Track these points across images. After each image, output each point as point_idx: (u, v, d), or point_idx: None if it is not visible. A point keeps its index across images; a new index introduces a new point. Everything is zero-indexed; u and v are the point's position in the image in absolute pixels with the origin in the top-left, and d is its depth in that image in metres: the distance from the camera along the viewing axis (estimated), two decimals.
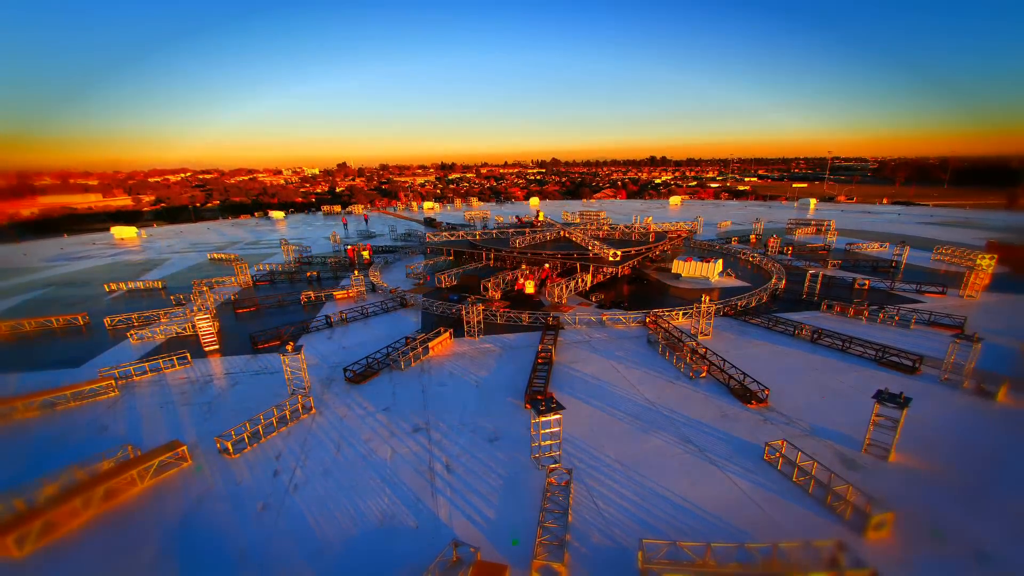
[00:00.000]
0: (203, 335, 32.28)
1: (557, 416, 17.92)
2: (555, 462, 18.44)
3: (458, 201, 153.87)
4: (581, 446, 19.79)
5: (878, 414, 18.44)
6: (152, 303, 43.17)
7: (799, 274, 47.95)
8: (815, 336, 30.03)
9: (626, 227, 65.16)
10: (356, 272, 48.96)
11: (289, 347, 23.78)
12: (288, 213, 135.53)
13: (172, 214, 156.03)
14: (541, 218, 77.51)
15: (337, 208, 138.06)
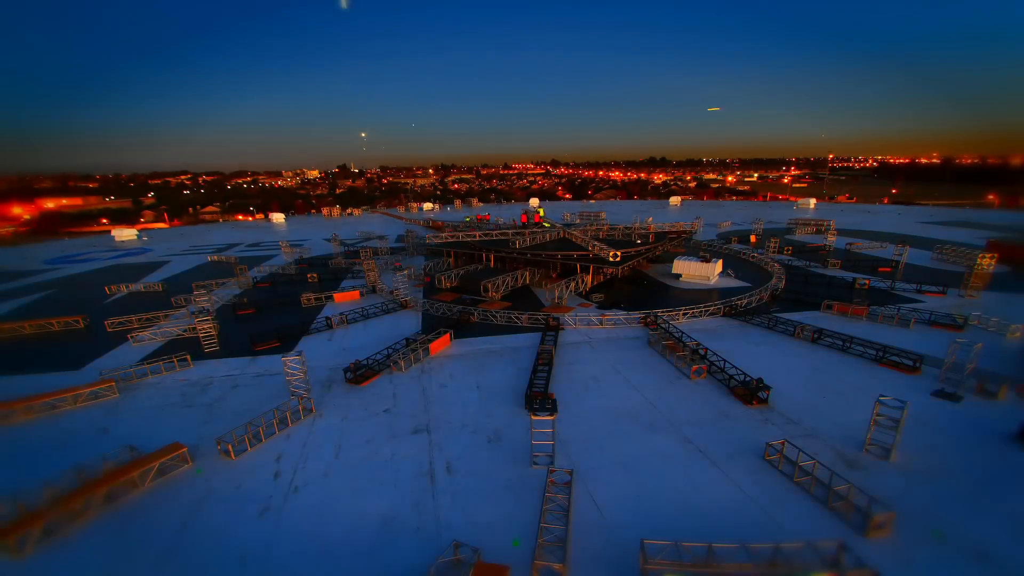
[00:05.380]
0: (203, 337, 32.35)
1: (556, 416, 17.99)
2: (555, 463, 18.46)
3: (458, 202, 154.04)
4: (582, 446, 19.79)
5: (878, 414, 18.44)
6: (153, 305, 43.22)
7: (799, 273, 48.05)
8: (815, 336, 30.03)
9: (626, 227, 65.21)
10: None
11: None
12: (289, 215, 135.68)
13: (172, 216, 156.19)
14: (546, 225, 75.94)
15: (336, 210, 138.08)
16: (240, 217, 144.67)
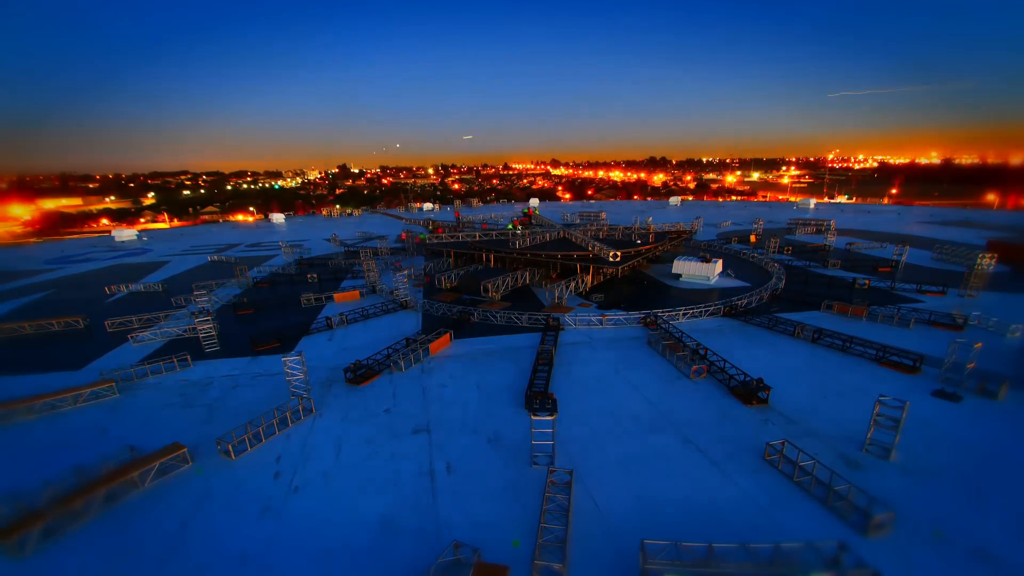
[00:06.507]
0: (203, 337, 32.36)
1: (556, 416, 17.98)
2: (555, 463, 18.46)
3: (458, 202, 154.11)
4: (582, 446, 19.80)
5: (878, 413, 18.45)
6: (153, 305, 43.24)
7: (799, 273, 48.05)
8: (815, 336, 30.04)
9: (626, 228, 65.30)
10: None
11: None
12: (288, 215, 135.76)
13: (172, 216, 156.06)
14: (535, 212, 76.59)
15: (336, 210, 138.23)
16: (240, 217, 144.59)
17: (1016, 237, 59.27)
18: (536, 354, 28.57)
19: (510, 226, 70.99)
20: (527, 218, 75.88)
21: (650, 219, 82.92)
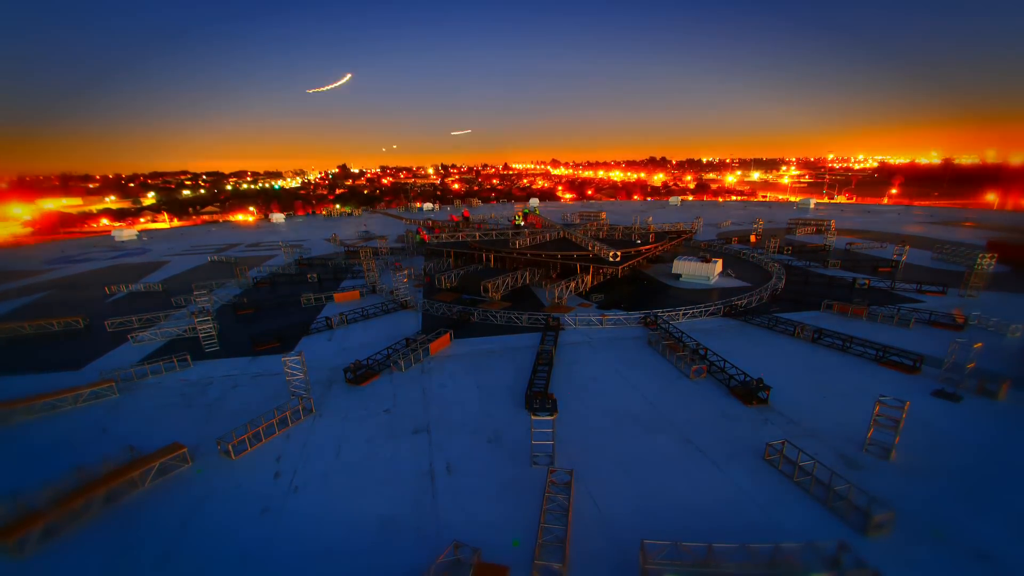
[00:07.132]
0: (203, 337, 32.35)
1: (556, 416, 17.97)
2: (555, 463, 18.46)
3: (458, 202, 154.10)
4: (582, 446, 19.79)
5: (879, 413, 18.45)
6: (152, 305, 43.23)
7: (800, 273, 48.03)
8: (816, 336, 30.03)
9: (626, 228, 65.32)
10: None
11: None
12: (288, 215, 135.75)
13: (172, 215, 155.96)
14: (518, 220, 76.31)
15: (335, 208, 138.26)
16: (240, 217, 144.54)
17: (1016, 237, 59.27)
18: (536, 354, 28.57)
19: (517, 218, 72.41)
20: (532, 217, 75.72)
21: (650, 219, 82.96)
